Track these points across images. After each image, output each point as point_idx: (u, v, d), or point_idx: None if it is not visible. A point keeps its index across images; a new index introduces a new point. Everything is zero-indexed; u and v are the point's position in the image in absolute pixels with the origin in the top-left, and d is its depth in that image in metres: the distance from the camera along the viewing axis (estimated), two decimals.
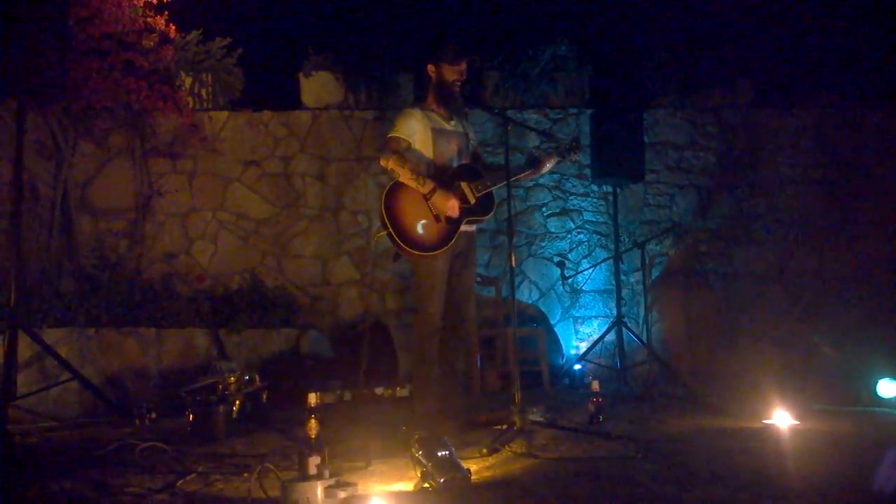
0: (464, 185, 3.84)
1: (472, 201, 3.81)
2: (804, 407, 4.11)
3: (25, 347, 4.46)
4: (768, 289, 6.88)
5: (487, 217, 3.94)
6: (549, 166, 4.07)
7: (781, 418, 3.81)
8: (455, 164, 3.92)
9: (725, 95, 7.18)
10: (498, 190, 3.96)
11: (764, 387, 4.36)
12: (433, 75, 3.93)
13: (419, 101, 4.05)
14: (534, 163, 4.04)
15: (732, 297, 6.78)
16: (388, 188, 3.76)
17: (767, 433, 3.66)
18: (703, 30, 7.13)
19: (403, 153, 3.79)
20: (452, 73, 3.89)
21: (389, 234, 3.68)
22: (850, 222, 6.97)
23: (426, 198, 3.72)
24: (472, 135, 4.10)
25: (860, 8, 6.96)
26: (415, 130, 3.85)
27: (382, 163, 3.81)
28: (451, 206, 3.72)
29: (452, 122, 3.99)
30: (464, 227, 3.83)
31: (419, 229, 3.70)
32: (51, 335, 4.78)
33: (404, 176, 3.73)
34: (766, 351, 5.93)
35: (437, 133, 3.90)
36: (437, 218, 3.73)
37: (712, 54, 7.09)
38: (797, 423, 3.80)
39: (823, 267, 6.90)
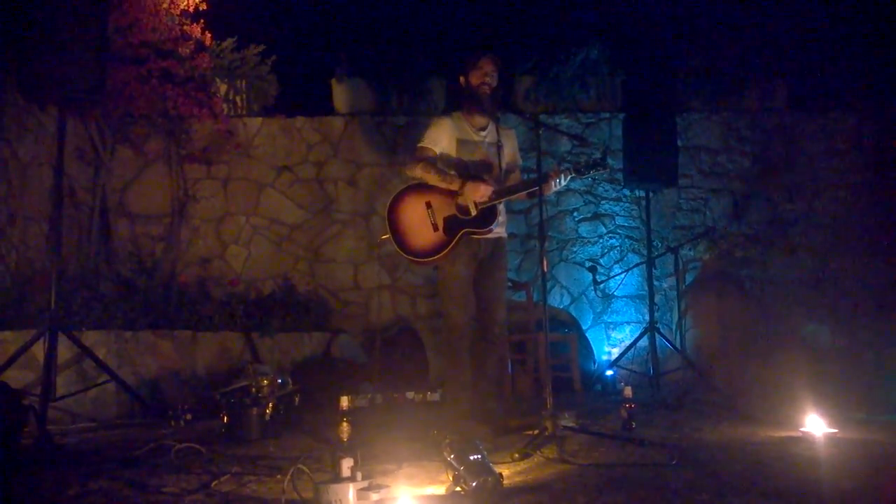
0: None
1: (474, 213, 3.82)
2: (843, 415, 4.03)
3: (65, 349, 4.53)
4: (805, 295, 6.77)
5: (485, 231, 3.85)
6: (554, 185, 3.81)
7: (818, 426, 3.74)
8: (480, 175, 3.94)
9: (760, 99, 7.10)
10: (524, 198, 4.05)
11: (800, 395, 4.28)
12: (464, 85, 3.99)
13: (457, 109, 4.09)
14: (541, 179, 3.80)
15: (768, 303, 6.69)
16: (394, 195, 3.91)
17: (804, 442, 3.59)
18: (738, 32, 7.05)
19: (429, 160, 3.86)
20: (477, 77, 3.93)
21: (391, 238, 3.85)
22: (888, 227, 6.83)
23: (459, 192, 3.78)
24: (507, 148, 4.06)
25: None
26: (441, 139, 3.93)
27: (409, 173, 3.93)
28: (482, 193, 3.78)
29: (483, 133, 3.99)
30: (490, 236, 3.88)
31: (414, 236, 3.82)
32: (89, 337, 4.85)
33: (432, 179, 3.83)
34: (803, 358, 5.83)
35: (462, 143, 3.95)
36: (434, 227, 3.80)
37: (747, 57, 7.00)
38: (835, 431, 3.73)
39: (861, 273, 6.77)
